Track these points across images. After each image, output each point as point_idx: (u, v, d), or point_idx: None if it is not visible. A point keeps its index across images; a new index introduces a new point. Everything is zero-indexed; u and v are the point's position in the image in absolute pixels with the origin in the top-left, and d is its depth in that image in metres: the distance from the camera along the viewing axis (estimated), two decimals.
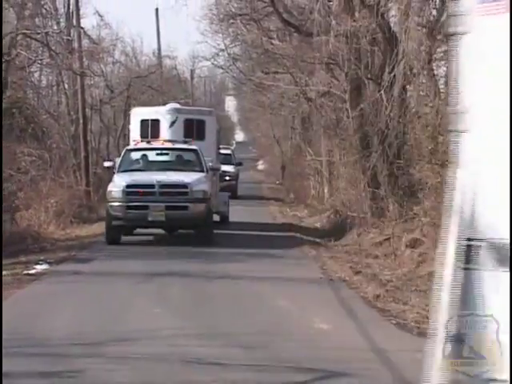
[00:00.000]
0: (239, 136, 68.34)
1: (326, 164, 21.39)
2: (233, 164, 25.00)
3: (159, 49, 32.18)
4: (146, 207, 12.77)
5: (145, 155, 14.25)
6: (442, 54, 13.72)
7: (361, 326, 7.10)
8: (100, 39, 24.74)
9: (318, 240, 14.90)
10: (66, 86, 22.63)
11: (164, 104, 17.93)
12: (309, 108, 22.20)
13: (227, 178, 21.73)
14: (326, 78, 17.10)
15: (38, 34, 16.99)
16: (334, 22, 13.60)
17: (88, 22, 49.93)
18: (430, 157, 10.93)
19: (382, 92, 13.44)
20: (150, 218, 12.75)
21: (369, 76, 14.44)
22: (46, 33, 17.58)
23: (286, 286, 9.21)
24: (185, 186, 12.97)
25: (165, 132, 15.30)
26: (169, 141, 14.61)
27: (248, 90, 30.65)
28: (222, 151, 20.06)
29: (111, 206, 12.94)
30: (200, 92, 44.30)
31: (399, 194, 13.48)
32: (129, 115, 17.93)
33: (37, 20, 19.80)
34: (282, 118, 30.83)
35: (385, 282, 9.51)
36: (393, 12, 14.23)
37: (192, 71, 40.58)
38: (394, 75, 12.99)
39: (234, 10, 19.97)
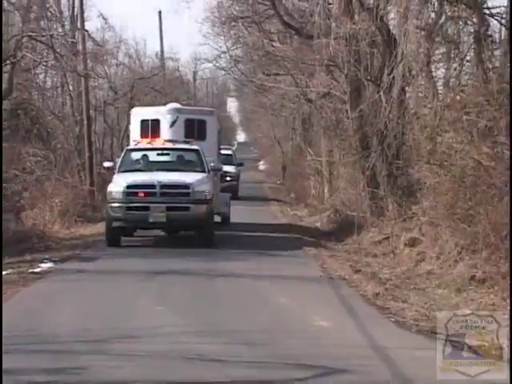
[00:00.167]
0: (241, 137, 68.47)
1: (326, 164, 21.52)
2: (234, 164, 24.69)
3: (162, 51, 32.39)
4: (146, 208, 12.48)
5: (145, 155, 13.97)
6: (440, 56, 13.94)
7: (360, 324, 7.17)
8: (104, 41, 24.87)
9: (318, 239, 15.09)
10: (71, 87, 22.66)
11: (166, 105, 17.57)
12: (309, 109, 22.39)
13: (228, 178, 21.44)
14: (326, 80, 17.26)
15: (43, 36, 17.13)
16: (333, 25, 13.62)
17: (92, 24, 50.19)
18: (428, 157, 10.94)
19: (382, 93, 13.50)
20: (150, 219, 12.46)
21: (368, 78, 14.51)
22: (51, 35, 17.73)
23: (287, 284, 9.31)
24: (186, 186, 12.68)
25: (165, 132, 14.99)
26: (169, 141, 14.31)
27: (249, 92, 30.86)
28: (223, 152, 19.79)
29: (111, 206, 12.66)
30: (202, 93, 44.45)
31: (398, 193, 13.56)
32: (129, 115, 17.69)
33: (42, 23, 19.94)
34: (283, 119, 30.99)
35: (384, 280, 9.63)
36: (392, 15, 14.34)
37: (194, 73, 40.80)
38: (393, 77, 13.07)
39: (235, 12, 20.08)
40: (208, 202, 12.78)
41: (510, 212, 8.57)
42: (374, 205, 14.56)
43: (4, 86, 15.94)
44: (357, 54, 14.44)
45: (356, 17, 14.10)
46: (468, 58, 13.04)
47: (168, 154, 14.10)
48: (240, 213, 18.06)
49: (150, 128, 15.03)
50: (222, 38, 23.31)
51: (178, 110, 15.58)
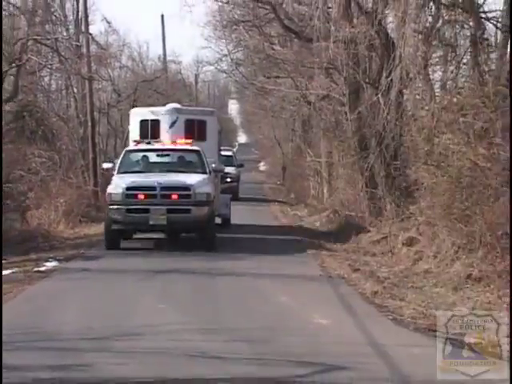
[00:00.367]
0: (242, 138, 68.61)
1: (326, 165, 21.62)
2: (234, 165, 24.36)
3: (164, 54, 32.54)
4: (146, 210, 12.07)
5: (145, 156, 13.60)
6: (437, 59, 14.13)
7: (359, 322, 7.21)
8: (108, 45, 24.95)
9: (317, 239, 15.22)
10: (75, 89, 22.72)
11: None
12: (309, 111, 22.46)
13: (228, 179, 20.93)
14: (325, 82, 17.41)
15: (48, 39, 17.20)
16: (333, 29, 13.67)
17: (96, 28, 50.13)
18: (425, 158, 11.00)
19: (380, 96, 13.60)
20: (151, 222, 12.07)
21: (367, 80, 14.63)
22: (56, 39, 17.83)
23: (287, 283, 9.37)
24: (187, 188, 12.26)
25: (165, 133, 14.63)
26: (170, 141, 13.98)
27: (250, 94, 30.98)
28: (223, 153, 19.42)
29: (110, 209, 12.23)
30: (204, 96, 44.57)
31: (396, 194, 13.65)
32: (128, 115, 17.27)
33: (47, 26, 19.97)
34: (283, 121, 31.11)
35: (382, 279, 9.69)
36: (390, 19, 14.47)
37: (196, 76, 40.99)
38: (391, 79, 13.17)
39: (236, 16, 20.15)
40: (209, 204, 12.41)
41: (510, 212, 8.71)
42: (373, 205, 14.70)
43: (10, 88, 16.13)
44: (355, 57, 14.56)
45: (355, 20, 14.25)
46: (464, 60, 13.19)
47: (168, 155, 13.78)
48: (240, 213, 17.89)
49: (150, 129, 14.72)
50: (224, 41, 23.44)
51: (177, 111, 15.25)
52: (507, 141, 9.23)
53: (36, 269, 10.38)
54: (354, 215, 15.35)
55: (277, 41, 19.56)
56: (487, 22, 12.98)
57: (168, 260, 11.32)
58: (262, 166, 46.37)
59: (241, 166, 25.91)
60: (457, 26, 13.01)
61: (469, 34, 12.77)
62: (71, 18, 23.63)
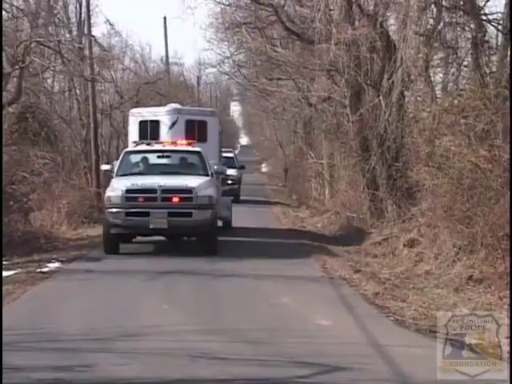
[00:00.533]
0: (243, 140, 68.76)
1: (327, 166, 21.65)
2: (235, 167, 23.85)
3: (167, 56, 32.63)
4: (146, 214, 11.67)
5: (145, 158, 13.20)
6: (438, 61, 14.18)
7: (360, 323, 7.24)
8: (110, 47, 24.99)
9: (318, 240, 15.24)
10: (78, 91, 22.72)
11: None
12: (310, 113, 22.56)
13: (229, 181, 20.44)
14: (327, 84, 17.48)
15: (51, 42, 17.18)
16: (334, 31, 13.65)
17: (99, 30, 50.54)
18: (426, 160, 11.04)
19: (381, 97, 13.68)
20: (151, 226, 11.66)
21: (368, 82, 14.66)
22: (59, 41, 17.80)
23: (289, 284, 9.40)
24: (189, 190, 11.85)
25: (165, 133, 14.28)
26: (171, 142, 13.54)
27: (252, 96, 31.07)
28: (224, 154, 18.99)
29: (109, 212, 11.85)
30: (206, 97, 44.65)
31: (397, 195, 13.65)
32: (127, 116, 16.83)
33: (50, 29, 20.05)
34: (285, 123, 31.16)
35: (383, 280, 9.76)
36: (391, 21, 14.58)
37: (198, 77, 41.08)
38: (393, 81, 13.25)
39: (238, 18, 20.17)
40: (212, 207, 12.03)
41: (510, 214, 8.76)
42: (374, 206, 14.74)
43: (13, 90, 16.20)
44: (357, 59, 14.61)
45: (356, 23, 14.33)
46: (466, 63, 13.26)
47: (169, 157, 13.37)
48: (242, 215, 17.73)
49: (149, 129, 14.37)
50: (226, 43, 23.49)
51: (177, 111, 14.86)
52: (508, 143, 9.27)
53: (39, 270, 10.42)
54: (356, 217, 15.38)
55: (279, 43, 19.59)
56: (488, 25, 13.06)
57: (171, 261, 11.34)
58: (264, 168, 46.43)
59: (242, 167, 25.43)
60: (458, 29, 13.08)
61: (470, 36, 12.84)
62: (74, 20, 23.69)
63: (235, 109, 57.68)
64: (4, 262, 10.93)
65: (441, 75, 14.34)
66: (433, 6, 13.06)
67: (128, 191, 11.91)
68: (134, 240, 12.74)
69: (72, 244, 13.56)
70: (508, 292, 7.70)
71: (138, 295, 8.74)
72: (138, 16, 71.44)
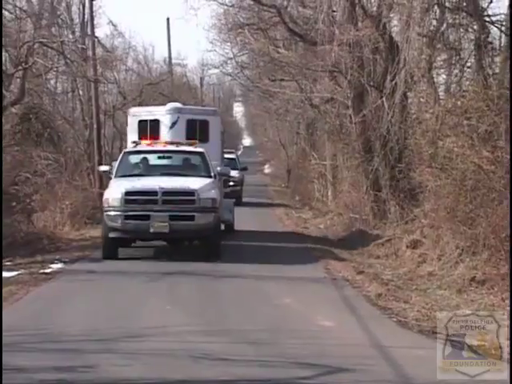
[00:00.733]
0: (246, 141, 68.84)
1: (330, 168, 21.67)
2: (237, 169, 23.44)
3: (170, 57, 32.68)
4: (147, 217, 11.16)
5: (145, 158, 12.65)
6: (441, 63, 14.18)
7: (363, 324, 7.26)
8: (113, 48, 25.13)
9: (321, 241, 15.25)
10: (81, 92, 22.81)
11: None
12: (313, 114, 22.63)
13: (231, 183, 19.58)
14: (329, 85, 17.50)
15: (54, 42, 17.20)
16: (337, 32, 13.68)
17: (102, 31, 50.74)
18: (429, 161, 11.09)
19: (384, 99, 13.68)
20: (151, 230, 11.14)
21: (371, 83, 14.68)
22: (62, 42, 17.84)
23: (291, 285, 9.43)
24: (191, 193, 11.33)
25: (165, 133, 13.71)
26: (172, 143, 13.00)
27: (255, 97, 31.13)
28: (226, 155, 18.43)
29: (108, 215, 11.31)
30: (209, 98, 44.71)
31: (400, 196, 13.70)
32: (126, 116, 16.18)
33: (53, 29, 20.19)
34: (288, 124, 31.20)
35: (386, 281, 9.78)
36: (394, 22, 14.55)
37: (201, 78, 41.19)
38: (396, 83, 13.25)
39: (241, 19, 20.20)
40: (215, 210, 11.51)
41: (510, 215, 8.76)
42: (377, 207, 14.76)
43: (16, 90, 16.24)
44: (360, 60, 14.64)
45: (359, 24, 14.33)
46: (469, 64, 13.27)
47: (170, 158, 12.85)
48: (244, 217, 17.46)
49: (149, 129, 13.79)
50: (229, 44, 23.53)
51: (178, 110, 14.27)
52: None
53: (42, 270, 10.44)
54: (359, 218, 15.39)
55: (281, 44, 19.62)
56: (491, 26, 13.07)
57: (173, 262, 11.35)
58: (267, 169, 46.46)
59: (244, 169, 25.22)
60: (461, 30, 13.09)
61: (473, 37, 12.84)
62: (77, 21, 23.81)
63: (238, 110, 57.76)
64: (7, 263, 10.98)
65: (444, 76, 14.37)
66: (436, 7, 13.07)
67: (127, 193, 11.37)
68: (132, 244, 12.22)
69: (75, 245, 13.57)
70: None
71: (140, 296, 8.76)
72: (141, 17, 71.67)
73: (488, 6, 13.28)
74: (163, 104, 15.56)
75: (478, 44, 12.43)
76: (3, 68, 15.86)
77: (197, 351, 6.01)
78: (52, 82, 22.77)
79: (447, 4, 13.13)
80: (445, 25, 13.10)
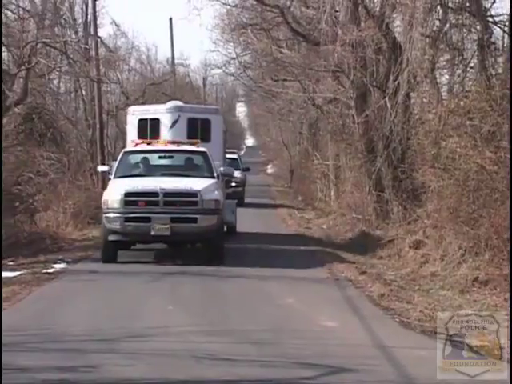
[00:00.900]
0: (249, 141, 68.87)
1: (333, 168, 21.65)
2: (239, 169, 22.81)
3: (173, 57, 32.78)
4: (147, 219, 10.77)
5: (145, 158, 12.24)
6: (444, 63, 14.17)
7: (366, 324, 7.26)
8: (116, 48, 25.22)
9: (324, 241, 15.24)
10: (84, 92, 22.88)
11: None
12: (316, 114, 22.68)
13: (233, 184, 19.27)
14: (332, 86, 17.53)
15: (57, 42, 17.25)
16: (340, 32, 13.67)
17: (105, 31, 50.85)
18: (432, 161, 11.09)
19: (387, 99, 13.69)
20: (152, 232, 10.75)
21: (374, 83, 14.69)
22: (65, 42, 17.87)
23: (294, 285, 9.44)
24: (194, 194, 10.93)
25: (166, 132, 13.34)
26: (173, 142, 12.58)
27: (258, 97, 31.15)
28: (228, 156, 17.96)
29: (107, 217, 10.91)
30: (212, 98, 44.77)
31: (403, 197, 13.69)
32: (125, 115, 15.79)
33: (56, 29, 20.25)
34: (291, 124, 31.25)
35: (389, 281, 9.78)
36: (397, 22, 14.57)
37: (204, 79, 41.28)
38: (398, 83, 13.26)
39: (244, 20, 20.23)
40: (218, 212, 11.13)
41: (510, 216, 8.76)
42: (380, 208, 14.76)
43: (19, 91, 16.27)
44: (363, 60, 14.64)
45: (362, 24, 14.34)
46: (472, 64, 13.25)
47: (171, 157, 12.42)
48: (247, 218, 17.24)
49: (149, 128, 13.42)
50: (232, 44, 23.56)
51: (179, 109, 13.90)
52: None
53: (44, 270, 10.45)
54: (361, 218, 15.39)
55: (284, 44, 19.63)
56: (494, 26, 13.06)
57: (176, 262, 11.34)
58: (270, 169, 46.48)
59: (247, 169, 24.86)
60: (464, 30, 13.07)
61: (476, 37, 12.83)
62: (80, 21, 23.86)
63: (241, 110, 57.85)
64: (10, 263, 11.01)
65: (447, 77, 14.35)
66: (439, 7, 13.06)
67: (127, 194, 10.96)
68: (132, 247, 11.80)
69: (78, 245, 13.58)
70: None
71: (142, 296, 8.76)
72: (144, 17, 71.74)
73: (491, 7, 13.28)
74: (164, 103, 15.31)
75: (480, 44, 12.42)
76: (6, 68, 15.94)
77: (199, 351, 6.02)
78: (55, 81, 22.82)
79: (450, 4, 13.12)
80: (448, 25, 13.09)
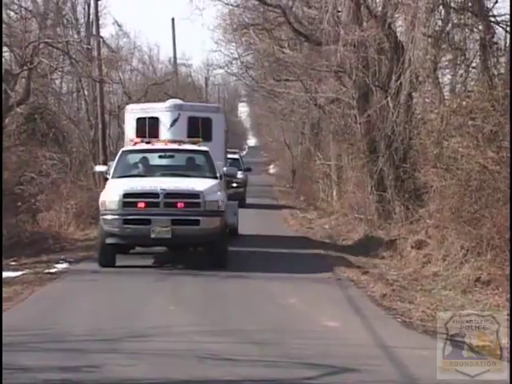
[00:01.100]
0: (251, 141, 68.92)
1: (335, 168, 21.68)
2: (241, 169, 22.06)
3: (175, 57, 32.80)
4: (147, 221, 10.31)
5: (145, 158, 11.81)
6: (446, 63, 14.17)
7: (368, 324, 7.27)
8: (118, 48, 25.23)
9: (326, 241, 15.25)
10: (86, 92, 22.92)
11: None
12: (318, 114, 22.67)
13: (234, 184, 18.72)
14: (334, 86, 17.52)
15: (60, 42, 17.28)
16: (342, 32, 13.64)
17: (107, 31, 50.96)
18: (434, 161, 11.11)
19: (389, 99, 13.65)
20: (152, 235, 10.30)
21: (376, 83, 14.66)
22: (67, 42, 17.91)
23: (296, 285, 9.44)
24: (196, 195, 10.50)
25: (165, 132, 12.91)
26: (174, 141, 12.17)
27: (260, 97, 31.18)
28: (230, 156, 17.53)
29: (104, 219, 10.44)
30: (214, 98, 44.82)
31: (405, 196, 13.67)
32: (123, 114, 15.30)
33: (58, 29, 20.26)
34: (293, 124, 31.21)
35: (391, 281, 9.79)
36: (399, 22, 14.52)
37: (206, 79, 41.32)
38: (401, 83, 13.25)
39: (246, 19, 20.21)
40: (221, 214, 10.69)
41: (510, 216, 8.76)
42: (382, 208, 14.75)
43: (21, 91, 16.31)
44: (365, 60, 14.62)
45: (364, 24, 14.31)
46: (474, 64, 13.26)
47: (172, 157, 11.96)
48: (248, 218, 17.14)
49: (148, 127, 12.95)
50: (234, 44, 23.58)
51: (179, 107, 13.45)
52: None
53: (47, 270, 10.46)
54: (363, 218, 15.39)
55: (286, 44, 19.63)
56: (497, 26, 13.06)
57: (178, 262, 11.31)
58: (272, 169, 46.49)
59: (248, 170, 24.37)
60: (466, 30, 13.07)
61: (478, 37, 12.83)
62: (82, 21, 23.89)
63: (243, 110, 57.88)
64: (12, 263, 11.05)
65: (449, 77, 14.36)
66: (441, 7, 13.06)
67: (126, 195, 10.48)
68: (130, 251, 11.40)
69: (80, 245, 13.59)
70: None
71: (145, 296, 8.77)
72: (146, 17, 71.79)
73: (493, 6, 13.27)
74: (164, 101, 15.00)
75: (483, 44, 12.41)
76: (9, 68, 15.97)
77: (201, 351, 6.02)
78: (57, 82, 22.86)
79: (452, 4, 13.12)
80: (450, 25, 13.10)
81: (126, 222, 10.43)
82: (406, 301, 8.41)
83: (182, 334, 6.62)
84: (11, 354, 5.72)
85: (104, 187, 11.70)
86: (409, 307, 8.03)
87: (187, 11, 49.98)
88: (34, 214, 15.03)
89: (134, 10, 59.36)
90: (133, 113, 13.66)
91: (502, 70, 12.32)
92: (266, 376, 5.48)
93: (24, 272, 10.28)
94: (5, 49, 15.72)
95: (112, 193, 10.71)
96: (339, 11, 14.68)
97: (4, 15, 15.76)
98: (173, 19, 33.32)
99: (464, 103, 11.12)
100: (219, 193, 11.03)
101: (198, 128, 13.04)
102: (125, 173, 11.38)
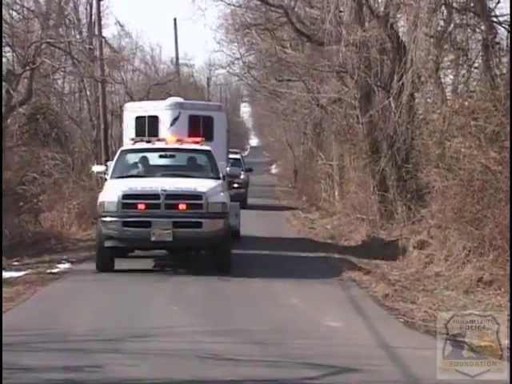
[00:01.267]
0: (253, 141, 68.93)
1: (337, 168, 21.67)
2: (242, 170, 21.48)
3: (177, 57, 32.79)
4: (147, 224, 9.92)
5: (145, 158, 11.38)
6: (448, 63, 14.16)
7: (370, 324, 7.28)
8: (120, 48, 25.24)
9: (328, 241, 15.27)
10: (88, 92, 22.90)
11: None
12: (320, 114, 22.70)
13: (236, 185, 18.23)
14: (336, 86, 17.52)
15: (62, 43, 17.33)
16: (344, 32, 13.66)
17: (109, 31, 50.88)
18: (436, 161, 11.11)
19: (391, 99, 13.67)
20: (153, 238, 9.89)
21: (378, 84, 14.70)
22: (69, 42, 18.00)
23: (298, 285, 9.46)
24: (198, 196, 10.09)
25: (165, 131, 12.48)
26: (176, 140, 11.69)
27: (262, 97, 31.11)
28: (231, 156, 17.08)
29: (103, 221, 10.06)
30: (216, 99, 44.83)
31: (407, 197, 13.71)
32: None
33: (60, 30, 20.26)
34: (295, 124, 31.24)
35: (393, 281, 9.81)
36: (401, 22, 14.53)
37: (208, 79, 41.34)
38: (403, 83, 13.26)
39: (249, 20, 20.23)
40: (224, 216, 10.29)
41: (510, 216, 8.76)
42: (384, 208, 14.77)
43: (23, 91, 16.33)
44: (367, 60, 14.65)
45: (366, 24, 14.35)
46: (476, 64, 13.26)
47: (173, 157, 11.54)
48: (250, 219, 17.03)
49: (147, 126, 12.59)
50: (236, 44, 23.58)
51: (180, 105, 13.01)
52: None
53: (49, 270, 10.48)
54: (366, 218, 15.39)
55: (289, 44, 19.64)
56: (499, 26, 13.05)
57: (179, 263, 11.30)
58: (274, 169, 46.49)
59: (249, 170, 24.14)
60: (468, 30, 13.07)
61: (480, 37, 12.82)
62: (84, 21, 23.92)
63: (245, 110, 57.88)
64: (15, 263, 11.08)
65: (451, 77, 14.35)
66: (443, 7, 13.06)
67: (125, 196, 10.06)
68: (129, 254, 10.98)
69: (82, 245, 13.59)
70: None
71: (147, 296, 8.78)
72: (148, 17, 71.85)
73: (495, 7, 13.27)
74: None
75: (485, 44, 12.41)
76: (11, 68, 15.99)
77: (203, 351, 6.03)
78: (59, 82, 22.85)
79: (454, 4, 13.12)
80: (452, 25, 13.09)
81: (126, 224, 10.04)
82: (408, 301, 8.40)
83: (184, 334, 6.64)
84: (13, 353, 5.73)
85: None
86: (411, 307, 8.02)
87: (189, 11, 50.14)
88: (37, 214, 15.06)
89: (136, 10, 59.57)
90: (132, 111, 13.30)
91: (504, 70, 12.31)
92: (267, 376, 5.48)
93: (26, 272, 10.30)
94: (7, 49, 15.77)
95: (111, 194, 10.34)
96: (341, 11, 14.69)
97: (6, 15, 15.80)
98: (175, 19, 33.41)
99: (466, 103, 11.12)
100: (222, 194, 10.65)
101: (200, 127, 12.69)
102: (124, 173, 10.99)
